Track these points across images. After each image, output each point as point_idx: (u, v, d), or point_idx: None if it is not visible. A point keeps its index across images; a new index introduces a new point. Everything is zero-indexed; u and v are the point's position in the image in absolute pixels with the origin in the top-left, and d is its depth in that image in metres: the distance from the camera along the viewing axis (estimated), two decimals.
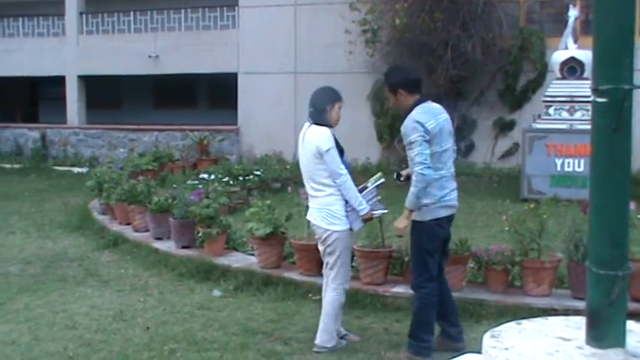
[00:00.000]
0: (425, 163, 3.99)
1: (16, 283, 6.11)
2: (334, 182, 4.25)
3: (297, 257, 5.80)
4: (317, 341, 4.43)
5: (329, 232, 4.32)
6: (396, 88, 4.17)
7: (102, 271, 6.53)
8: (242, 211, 7.85)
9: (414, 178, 4.04)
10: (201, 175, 10.28)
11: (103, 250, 7.38)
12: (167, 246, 6.86)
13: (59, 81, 16.59)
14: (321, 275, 4.62)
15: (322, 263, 4.50)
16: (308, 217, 4.49)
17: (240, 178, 10.45)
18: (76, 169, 14.71)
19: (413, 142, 4.03)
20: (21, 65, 16.67)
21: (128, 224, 7.86)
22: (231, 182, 10.04)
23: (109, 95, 18.30)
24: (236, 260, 6.16)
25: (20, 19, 17.04)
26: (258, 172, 10.83)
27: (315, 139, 4.32)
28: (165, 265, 6.51)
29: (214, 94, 17.88)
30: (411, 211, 4.12)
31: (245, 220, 6.32)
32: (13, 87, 19.70)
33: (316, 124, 4.37)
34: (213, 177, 9.92)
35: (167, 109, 17.95)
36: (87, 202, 9.87)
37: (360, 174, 12.88)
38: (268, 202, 6.19)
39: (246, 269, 5.91)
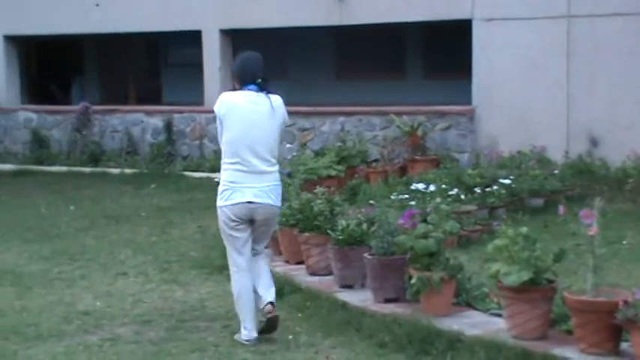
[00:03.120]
0: None
1: (129, 354, 6.58)
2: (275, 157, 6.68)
3: (577, 323, 5.72)
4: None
5: (279, 208, 6.88)
6: None
7: (259, 336, 6.81)
8: (481, 244, 7.85)
9: None
10: (413, 186, 10.45)
11: None
12: (361, 298, 7.05)
13: (192, 39, 17.72)
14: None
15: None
16: (257, 197, 6.53)
17: (478, 191, 10.49)
18: (217, 177, 15.56)
19: None
20: (136, 17, 18.00)
21: (300, 263, 8.23)
22: (462, 197, 10.16)
23: (266, 60, 19.17)
24: (472, 324, 6.20)
25: None
26: (505, 181, 10.80)
27: (282, 109, 6.82)
28: (358, 328, 6.68)
29: (433, 55, 18.08)
30: None
31: (486, 259, 6.34)
32: (125, 50, 21.37)
33: (268, 91, 6.76)
34: (433, 188, 10.06)
35: (358, 80, 18.44)
36: None
37: None
38: (524, 229, 6.15)
39: (490, 339, 5.94)
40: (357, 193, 11.60)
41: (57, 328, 7.26)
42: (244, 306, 6.68)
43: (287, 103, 18.33)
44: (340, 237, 7.47)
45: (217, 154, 16.81)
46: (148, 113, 17.96)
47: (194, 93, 17.90)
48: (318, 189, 8.58)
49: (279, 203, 6.74)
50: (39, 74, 22.33)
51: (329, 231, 7.71)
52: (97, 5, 18.20)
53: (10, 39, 19.43)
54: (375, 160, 14.21)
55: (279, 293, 7.76)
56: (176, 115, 17.42)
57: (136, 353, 6.59)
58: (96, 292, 8.43)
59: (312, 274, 7.94)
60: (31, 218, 12.56)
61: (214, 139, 17.00)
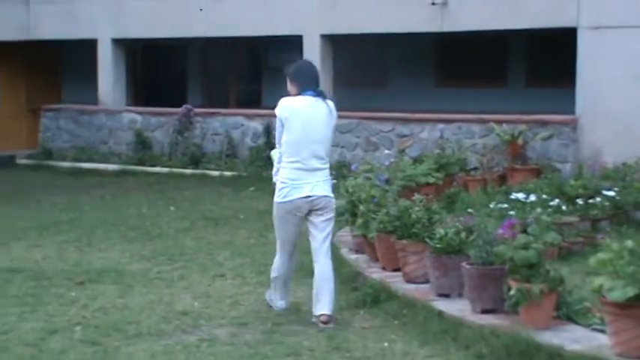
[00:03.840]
0: None
1: (225, 356, 6.63)
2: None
3: None
4: (329, 312, 7.31)
5: (333, 199, 7.61)
6: None
7: (354, 343, 6.84)
8: (583, 257, 7.72)
9: None
10: (513, 195, 10.33)
11: (356, 310, 7.76)
12: (458, 308, 7.01)
13: (293, 43, 17.81)
14: None
15: None
16: (313, 191, 7.39)
17: (580, 202, 10.33)
18: None
19: None
20: (238, 22, 18.17)
21: (396, 270, 8.18)
22: (563, 207, 10.00)
23: (365, 66, 19.21)
24: (573, 339, 6.10)
25: None
26: (609, 193, 10.60)
27: (335, 113, 7.59)
28: (455, 338, 6.64)
29: (536, 63, 17.84)
30: None
31: (588, 273, 6.23)
32: (227, 54, 21.59)
33: (324, 97, 7.58)
34: (534, 198, 9.93)
35: (457, 88, 18.29)
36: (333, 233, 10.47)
37: None
38: (630, 243, 6.00)
39: (592, 356, 5.83)
40: (456, 201, 11.51)
41: (156, 326, 7.37)
42: (278, 283, 7.88)
43: (386, 109, 18.43)
44: (438, 245, 7.43)
45: None
46: (248, 117, 18.14)
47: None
48: (416, 196, 8.54)
49: (331, 194, 7.59)
50: (144, 76, 22.75)
51: (427, 239, 7.67)
52: (201, 10, 18.46)
53: (118, 42, 19.85)
54: (474, 169, 14.09)
55: (375, 300, 7.85)
56: (274, 119, 17.46)
57: (232, 355, 6.64)
58: (194, 292, 8.53)
59: (409, 281, 7.90)
60: (133, 218, 12.81)
61: None
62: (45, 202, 14.51)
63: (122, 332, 7.19)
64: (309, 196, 7.41)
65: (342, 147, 16.70)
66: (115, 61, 19.86)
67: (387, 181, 10.63)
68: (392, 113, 16.61)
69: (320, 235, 7.55)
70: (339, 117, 17.23)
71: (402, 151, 15.39)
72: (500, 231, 6.88)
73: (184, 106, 18.75)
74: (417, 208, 8.19)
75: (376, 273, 8.38)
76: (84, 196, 15.25)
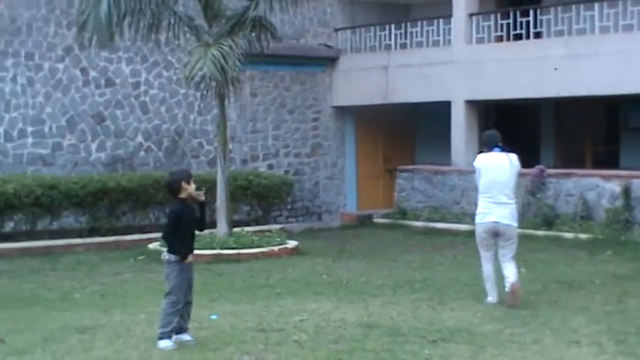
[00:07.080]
0: None
1: None
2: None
3: None
4: (516, 279, 10.71)
5: (515, 227, 10.72)
6: None
7: None
8: None
9: None
10: None
11: None
12: None
13: None
14: None
15: None
16: (499, 219, 10.53)
17: None
18: None
19: None
20: (594, 81, 17.86)
21: None
22: None
23: None
24: None
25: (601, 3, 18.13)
26: None
27: (517, 162, 10.70)
28: None
29: None
30: None
31: None
32: (582, 113, 21.20)
33: (507, 151, 10.67)
34: None
35: None
36: None
37: None
38: None
39: None
40: None
41: None
42: (487, 281, 10.92)
43: None
44: None
45: None
46: (605, 177, 17.63)
47: None
48: None
49: (514, 223, 10.69)
50: None
51: None
52: (556, 69, 18.29)
53: (471, 103, 20.12)
54: None
55: None
56: (635, 181, 16.90)
57: None
58: (548, 357, 8.36)
59: None
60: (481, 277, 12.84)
61: None
62: (399, 261, 14.92)
63: None
64: (496, 222, 10.57)
65: None
66: (467, 122, 20.15)
67: None
68: None
69: (504, 251, 10.73)
70: None
71: None
72: None
73: (537, 166, 18.63)
74: None
75: None
76: (436, 255, 15.53)
